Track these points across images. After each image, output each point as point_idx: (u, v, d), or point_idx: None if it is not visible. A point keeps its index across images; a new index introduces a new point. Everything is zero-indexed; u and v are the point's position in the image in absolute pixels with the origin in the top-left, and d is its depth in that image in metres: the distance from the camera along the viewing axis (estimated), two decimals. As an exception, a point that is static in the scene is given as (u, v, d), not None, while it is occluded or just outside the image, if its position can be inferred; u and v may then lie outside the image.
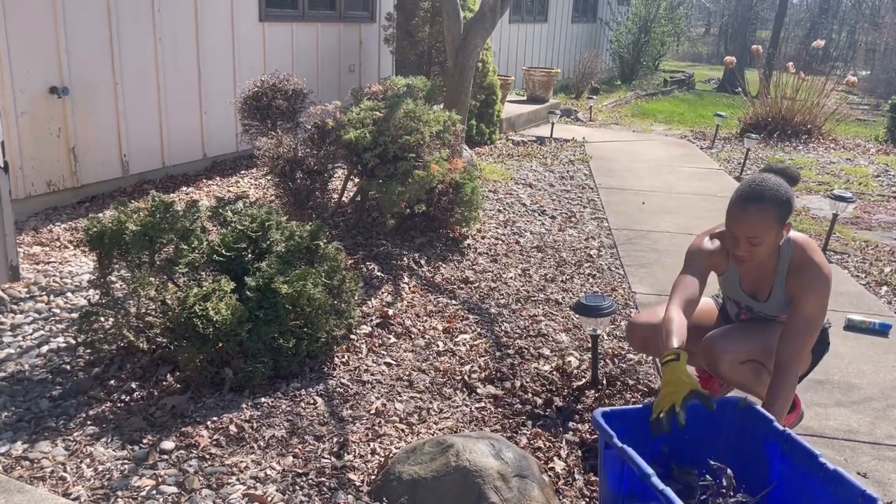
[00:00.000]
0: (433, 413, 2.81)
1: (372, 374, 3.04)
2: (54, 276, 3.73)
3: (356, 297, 3.25)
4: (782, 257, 2.39)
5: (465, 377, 3.09)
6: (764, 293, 2.49)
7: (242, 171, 6.12)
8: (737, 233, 2.31)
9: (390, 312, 3.58)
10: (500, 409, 2.86)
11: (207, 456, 2.43)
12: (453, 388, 3.01)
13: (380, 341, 3.33)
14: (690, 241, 5.46)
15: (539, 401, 2.93)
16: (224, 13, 6.05)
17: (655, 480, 1.83)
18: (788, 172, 2.46)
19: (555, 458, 2.56)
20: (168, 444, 2.46)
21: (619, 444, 1.97)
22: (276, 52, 6.71)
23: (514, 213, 5.57)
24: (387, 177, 4.14)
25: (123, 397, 2.73)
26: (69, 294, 3.55)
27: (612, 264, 4.65)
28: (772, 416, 2.14)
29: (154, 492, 2.24)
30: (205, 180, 5.78)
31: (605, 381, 3.07)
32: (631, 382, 3.09)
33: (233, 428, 2.57)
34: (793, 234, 2.41)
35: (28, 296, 3.47)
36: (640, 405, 2.21)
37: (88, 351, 2.96)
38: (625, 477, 2.02)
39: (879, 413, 3.02)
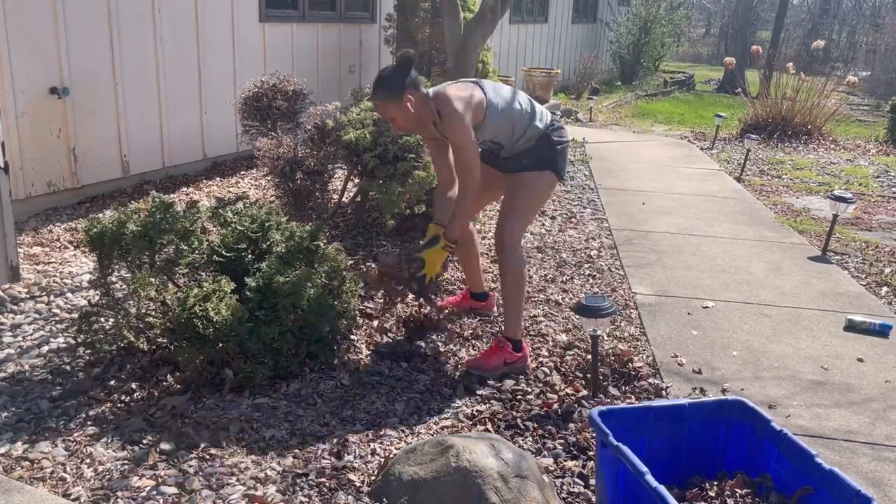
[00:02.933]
0: (433, 413, 2.82)
1: (372, 375, 3.04)
2: (54, 276, 3.74)
3: (356, 298, 3.26)
4: (432, 110, 2.91)
5: (465, 377, 3.09)
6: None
7: (242, 172, 6.13)
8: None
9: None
10: (499, 410, 2.87)
11: (207, 456, 2.43)
12: (453, 388, 3.01)
13: (380, 341, 3.33)
14: (691, 241, 5.43)
15: (539, 401, 2.93)
16: (224, 13, 6.06)
17: (649, 478, 1.83)
18: (400, 59, 2.97)
19: (554, 459, 2.56)
20: (168, 445, 2.47)
21: (615, 443, 1.97)
22: (276, 53, 6.72)
23: (514, 213, 5.56)
24: (387, 177, 4.14)
25: (123, 398, 2.73)
26: (69, 294, 3.55)
27: (613, 265, 4.65)
28: (762, 412, 2.16)
29: (154, 492, 2.24)
30: (205, 181, 5.79)
31: (605, 382, 3.07)
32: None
33: (233, 428, 2.57)
34: (434, 91, 2.92)
35: (28, 296, 3.48)
36: (638, 405, 2.21)
37: (88, 351, 2.96)
38: (620, 476, 2.02)
39: (879, 414, 3.02)
